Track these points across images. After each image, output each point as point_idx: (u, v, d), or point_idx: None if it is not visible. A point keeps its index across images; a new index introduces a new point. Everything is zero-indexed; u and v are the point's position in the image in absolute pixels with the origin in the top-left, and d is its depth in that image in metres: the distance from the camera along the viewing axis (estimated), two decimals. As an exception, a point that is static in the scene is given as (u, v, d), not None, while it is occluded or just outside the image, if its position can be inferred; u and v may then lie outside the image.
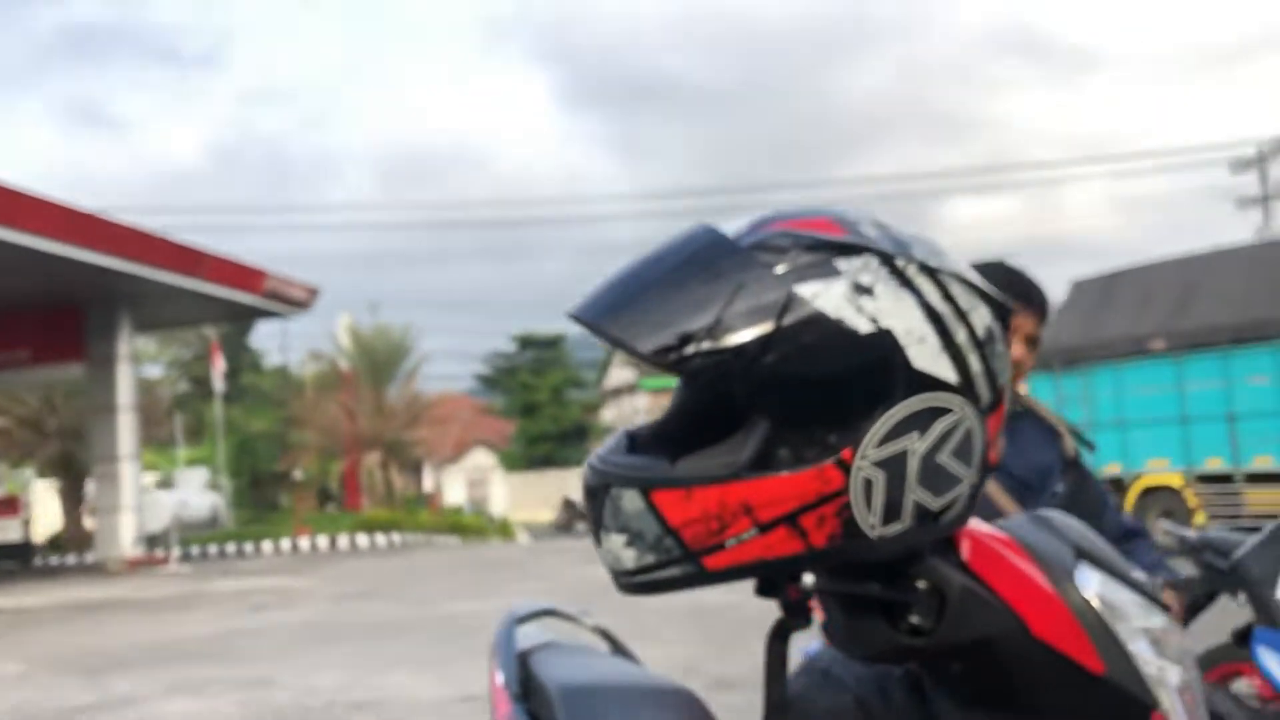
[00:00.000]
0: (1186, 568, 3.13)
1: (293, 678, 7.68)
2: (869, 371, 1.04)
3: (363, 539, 23.76)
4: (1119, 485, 15.20)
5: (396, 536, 24.32)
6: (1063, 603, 1.15)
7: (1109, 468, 15.31)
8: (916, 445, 1.05)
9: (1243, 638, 2.89)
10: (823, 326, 1.02)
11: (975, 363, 1.09)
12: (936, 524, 1.09)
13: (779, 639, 1.15)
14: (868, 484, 1.04)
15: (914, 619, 1.13)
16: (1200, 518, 14.06)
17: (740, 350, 1.01)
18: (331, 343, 31.55)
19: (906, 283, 1.07)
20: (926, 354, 1.05)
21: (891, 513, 1.05)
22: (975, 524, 1.21)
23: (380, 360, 29.31)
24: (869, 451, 1.03)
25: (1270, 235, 26.52)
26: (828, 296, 1.03)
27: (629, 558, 1.06)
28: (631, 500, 1.05)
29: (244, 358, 40.11)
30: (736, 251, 1.06)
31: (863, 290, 1.04)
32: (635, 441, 1.18)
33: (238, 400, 35.16)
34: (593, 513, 1.10)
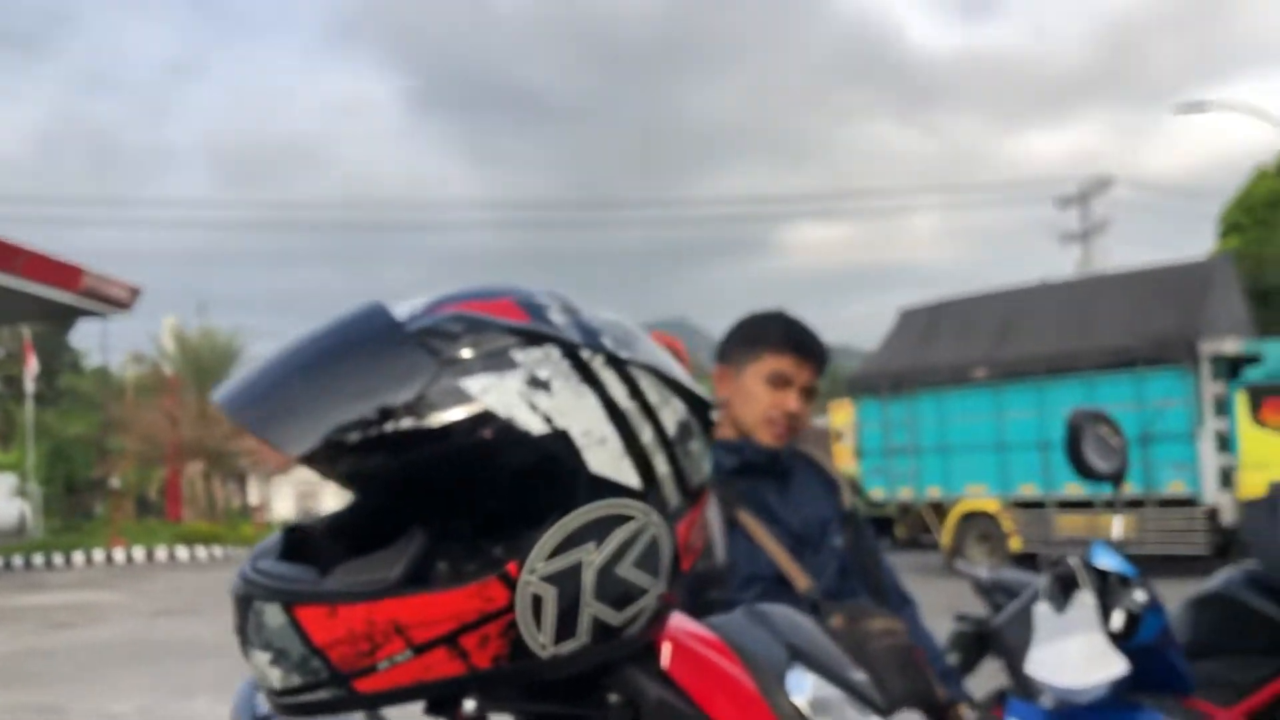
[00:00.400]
0: (980, 607, 3.24)
1: (86, 704, 7.32)
2: (541, 477, 0.95)
3: (182, 552, 22.92)
4: (939, 509, 15.80)
5: (219, 550, 23.49)
6: (770, 712, 1.09)
7: (930, 491, 15.90)
8: (593, 557, 0.97)
9: (1002, 698, 3.02)
10: (490, 426, 0.92)
11: (662, 464, 1.01)
12: (618, 639, 1.01)
13: None
14: (536, 600, 0.95)
15: None
16: (1015, 542, 14.73)
17: (391, 451, 0.91)
18: (155, 345, 30.34)
19: (590, 377, 0.98)
20: (606, 457, 0.97)
21: (565, 630, 0.97)
22: (682, 623, 1.15)
23: (206, 365, 28.33)
24: (538, 565, 0.95)
25: (1089, 270, 28.05)
26: (499, 391, 0.94)
27: (275, 677, 0.96)
28: (274, 615, 0.95)
29: (64, 358, 38.16)
30: (402, 338, 0.96)
31: (539, 385, 0.95)
32: (301, 541, 1.07)
33: (54, 403, 33.44)
34: (238, 624, 0.99)
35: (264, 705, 1.66)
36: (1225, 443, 13.41)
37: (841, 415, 20.22)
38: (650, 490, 1.00)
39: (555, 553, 0.95)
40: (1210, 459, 13.33)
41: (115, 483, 29.83)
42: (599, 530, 0.97)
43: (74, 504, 30.90)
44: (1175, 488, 13.48)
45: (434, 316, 0.98)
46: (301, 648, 0.94)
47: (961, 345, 15.78)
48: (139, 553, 22.45)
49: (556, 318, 1.01)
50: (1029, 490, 14.79)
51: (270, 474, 37.30)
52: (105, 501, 30.62)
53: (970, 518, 15.44)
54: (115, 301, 21.74)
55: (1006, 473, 14.99)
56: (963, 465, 15.46)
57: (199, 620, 12.06)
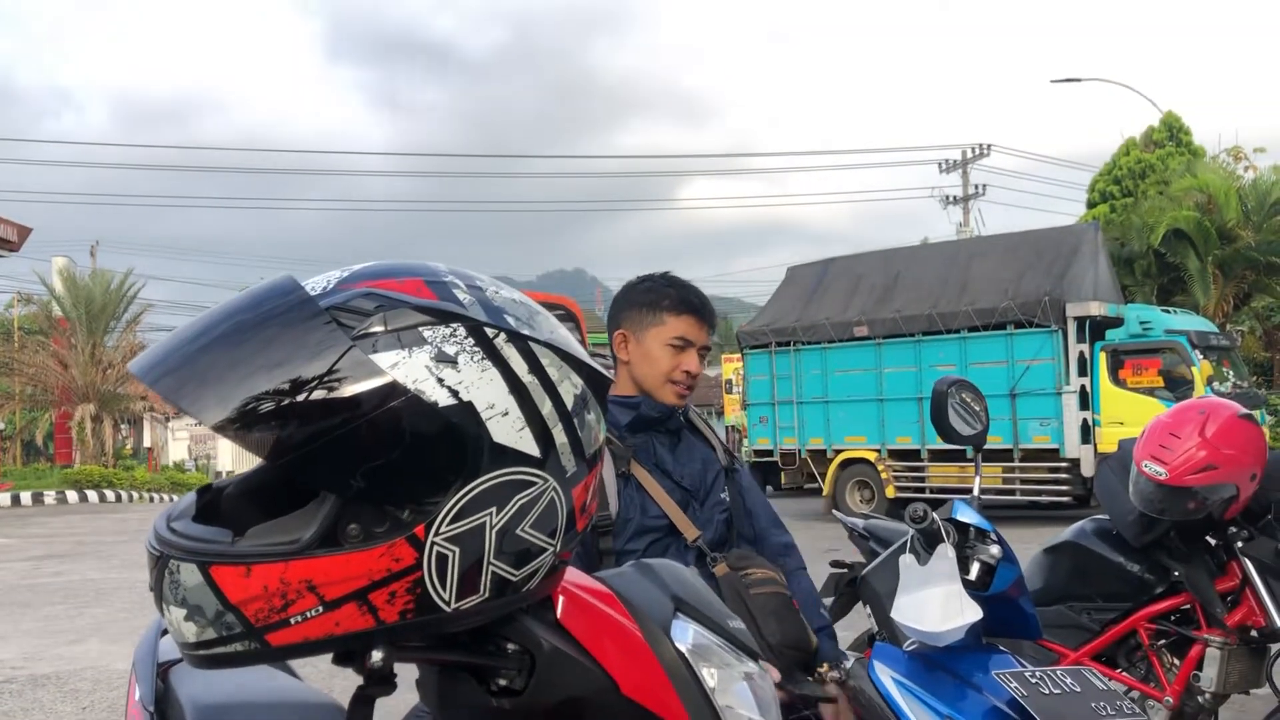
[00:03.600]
0: (854, 553, 3.52)
1: (-30, 649, 7.29)
2: (447, 446, 1.00)
3: (73, 495, 22.44)
4: (822, 457, 16.39)
5: (110, 494, 23.10)
6: (655, 658, 1.17)
7: (814, 441, 16.47)
8: (495, 519, 1.03)
9: (870, 640, 3.26)
10: (399, 398, 0.98)
11: (561, 434, 1.07)
12: (517, 594, 1.08)
13: (361, 706, 1.11)
14: (442, 560, 1.01)
15: (503, 680, 1.12)
16: (890, 490, 15.39)
17: (305, 420, 0.96)
18: (43, 286, 29.45)
19: (493, 353, 1.04)
20: (508, 428, 1.03)
21: (468, 587, 1.03)
22: (575, 577, 1.21)
23: (97, 307, 27.61)
24: (444, 527, 1.01)
25: (969, 231, 28.88)
26: (408, 366, 0.99)
27: (190, 632, 1.01)
28: (190, 574, 1.00)
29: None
30: (314, 313, 1.01)
31: (446, 361, 1.01)
32: (213, 502, 1.13)
33: (-67, 342, 32.25)
34: (154, 582, 1.04)
35: (168, 651, 1.72)
36: (1087, 400, 14.16)
37: (731, 367, 20.72)
38: (549, 458, 1.06)
39: (460, 516, 1.01)
40: (1073, 415, 14.04)
41: (1, 425, 29.09)
42: (501, 495, 1.03)
43: (-44, 447, 30.00)
44: (1040, 440, 14.20)
45: (346, 293, 1.03)
46: (217, 604, 0.99)
47: (845, 302, 16.33)
48: (25, 496, 21.96)
49: (462, 296, 1.07)
50: (905, 441, 15.47)
51: (168, 419, 36.64)
52: (-10, 444, 29.83)
53: (850, 464, 16.10)
54: (2, 241, 21.11)
55: (884, 424, 15.65)
56: (843, 417, 16.09)
57: (88, 563, 11.97)
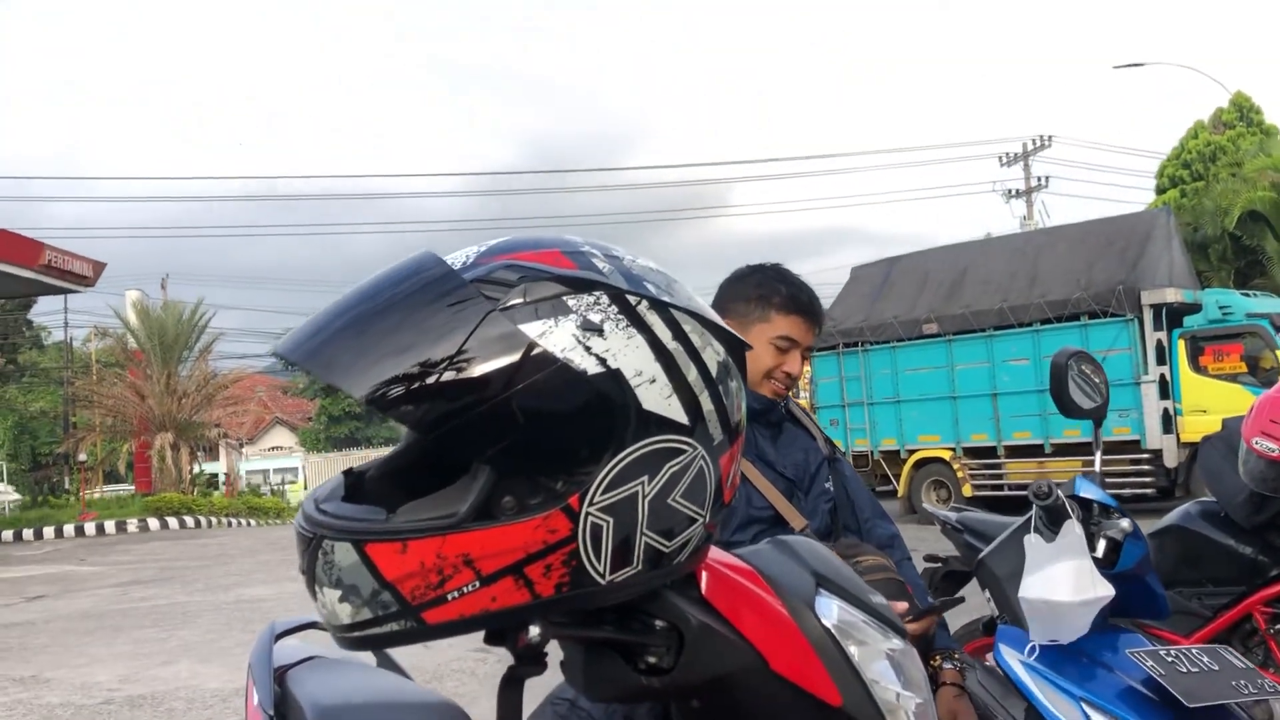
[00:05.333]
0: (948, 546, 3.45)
1: (67, 673, 7.43)
2: (597, 414, 0.99)
3: (154, 523, 22.89)
4: (895, 458, 16.20)
5: (190, 520, 23.54)
6: (801, 634, 1.14)
7: (886, 442, 16.29)
8: (647, 489, 1.01)
9: (990, 627, 3.23)
10: (549, 367, 0.97)
11: (707, 402, 1.06)
12: (669, 566, 1.06)
13: (511, 687, 1.11)
14: (596, 531, 1.00)
15: (651, 658, 1.10)
16: (967, 489, 15.14)
17: (458, 392, 0.95)
18: (118, 319, 30.14)
19: (637, 320, 1.02)
20: (656, 395, 1.02)
21: (622, 558, 1.02)
22: (716, 554, 1.19)
23: (170, 338, 28.17)
24: (597, 497, 0.99)
25: (1032, 224, 28.44)
26: (555, 335, 0.98)
27: (345, 613, 1.00)
28: (345, 553, 0.99)
29: (25, 334, 37.79)
30: (459, 285, 1.00)
31: (592, 329, 1.00)
32: (357, 484, 1.12)
33: (16, 380, 33.16)
34: (306, 564, 1.03)
35: (283, 655, 1.72)
36: (1167, 389, 13.84)
37: (800, 370, 20.55)
38: (696, 426, 1.05)
39: (613, 486, 1.00)
40: (1153, 404, 13.74)
41: (83, 457, 29.77)
42: (652, 464, 1.01)
43: (42, 479, 30.76)
44: (1121, 432, 13.87)
45: (487, 265, 1.03)
46: (373, 582, 0.98)
47: (912, 300, 16.14)
48: (110, 525, 22.43)
49: (601, 265, 1.05)
50: (980, 439, 15.22)
51: (240, 445, 37.28)
52: (73, 476, 30.53)
53: (924, 464, 15.86)
54: (78, 277, 21.64)
55: (958, 422, 15.42)
56: (916, 416, 15.87)
57: (173, 587, 12.17)
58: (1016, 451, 14.84)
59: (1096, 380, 2.53)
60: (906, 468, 15.95)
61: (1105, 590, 1.95)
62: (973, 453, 15.42)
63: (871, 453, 16.43)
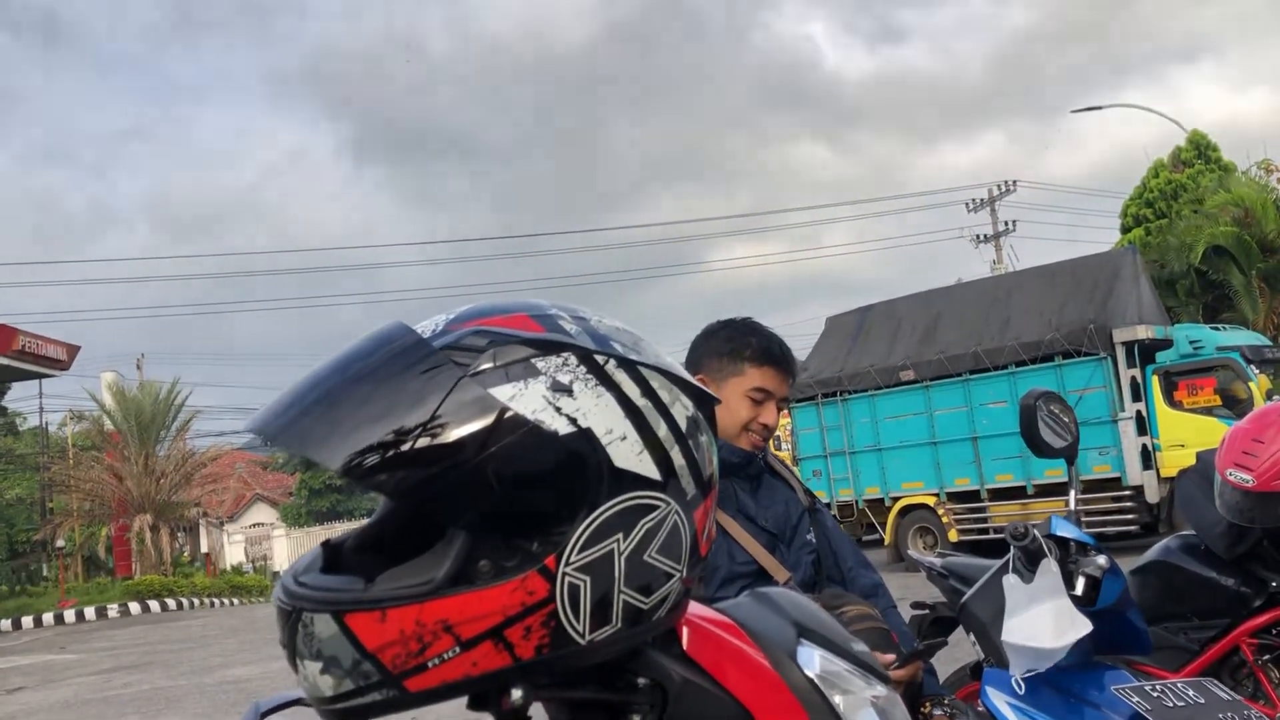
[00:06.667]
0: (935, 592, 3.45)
1: (52, 763, 7.32)
2: (570, 474, 1.00)
3: (135, 607, 22.60)
4: (880, 506, 16.20)
5: (171, 602, 23.24)
6: (785, 686, 1.15)
7: (870, 490, 16.29)
8: (622, 546, 1.02)
9: (977, 671, 3.22)
10: (521, 429, 0.98)
11: (678, 457, 1.07)
12: (649, 623, 1.07)
13: None
14: (574, 590, 1.00)
15: (636, 717, 1.10)
16: (953, 534, 15.14)
17: (433, 458, 0.96)
18: (94, 401, 29.92)
19: (606, 379, 1.04)
20: (628, 452, 1.03)
21: (601, 617, 1.02)
22: (696, 609, 1.19)
23: (147, 418, 27.97)
24: (573, 557, 1.00)
25: (1002, 268, 28.79)
26: (525, 398, 0.99)
27: (327, 685, 0.99)
28: (325, 625, 0.99)
29: (-2, 421, 37.40)
30: (430, 353, 1.01)
31: (561, 389, 1.01)
32: (335, 555, 1.12)
33: (-10, 467, 32.77)
34: (286, 638, 1.02)
35: None
36: (1144, 425, 13.92)
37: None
38: (669, 481, 1.06)
39: (588, 545, 1.00)
40: (1132, 441, 13.81)
41: (61, 543, 29.39)
42: (626, 521, 1.02)
43: (19, 568, 30.31)
44: (1101, 470, 13.93)
45: (456, 333, 1.04)
46: (354, 653, 0.98)
47: (888, 348, 16.25)
48: (90, 611, 22.13)
49: (569, 327, 1.07)
50: (963, 483, 15.27)
51: (223, 523, 36.89)
52: (51, 563, 30.11)
53: (909, 511, 15.88)
54: (53, 361, 21.55)
55: (940, 468, 15.46)
56: (898, 463, 15.91)
57: (156, 672, 12.00)
58: (1000, 494, 14.88)
59: (1066, 419, 2.56)
60: (892, 515, 15.93)
61: (1084, 626, 1.96)
62: (956, 497, 15.44)
63: (856, 502, 16.41)
